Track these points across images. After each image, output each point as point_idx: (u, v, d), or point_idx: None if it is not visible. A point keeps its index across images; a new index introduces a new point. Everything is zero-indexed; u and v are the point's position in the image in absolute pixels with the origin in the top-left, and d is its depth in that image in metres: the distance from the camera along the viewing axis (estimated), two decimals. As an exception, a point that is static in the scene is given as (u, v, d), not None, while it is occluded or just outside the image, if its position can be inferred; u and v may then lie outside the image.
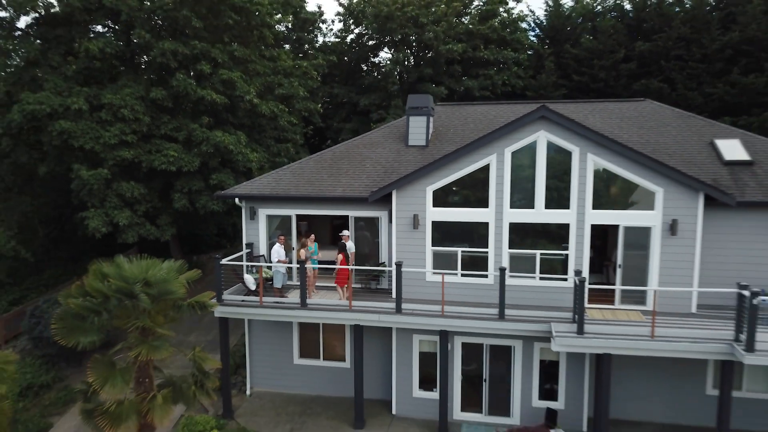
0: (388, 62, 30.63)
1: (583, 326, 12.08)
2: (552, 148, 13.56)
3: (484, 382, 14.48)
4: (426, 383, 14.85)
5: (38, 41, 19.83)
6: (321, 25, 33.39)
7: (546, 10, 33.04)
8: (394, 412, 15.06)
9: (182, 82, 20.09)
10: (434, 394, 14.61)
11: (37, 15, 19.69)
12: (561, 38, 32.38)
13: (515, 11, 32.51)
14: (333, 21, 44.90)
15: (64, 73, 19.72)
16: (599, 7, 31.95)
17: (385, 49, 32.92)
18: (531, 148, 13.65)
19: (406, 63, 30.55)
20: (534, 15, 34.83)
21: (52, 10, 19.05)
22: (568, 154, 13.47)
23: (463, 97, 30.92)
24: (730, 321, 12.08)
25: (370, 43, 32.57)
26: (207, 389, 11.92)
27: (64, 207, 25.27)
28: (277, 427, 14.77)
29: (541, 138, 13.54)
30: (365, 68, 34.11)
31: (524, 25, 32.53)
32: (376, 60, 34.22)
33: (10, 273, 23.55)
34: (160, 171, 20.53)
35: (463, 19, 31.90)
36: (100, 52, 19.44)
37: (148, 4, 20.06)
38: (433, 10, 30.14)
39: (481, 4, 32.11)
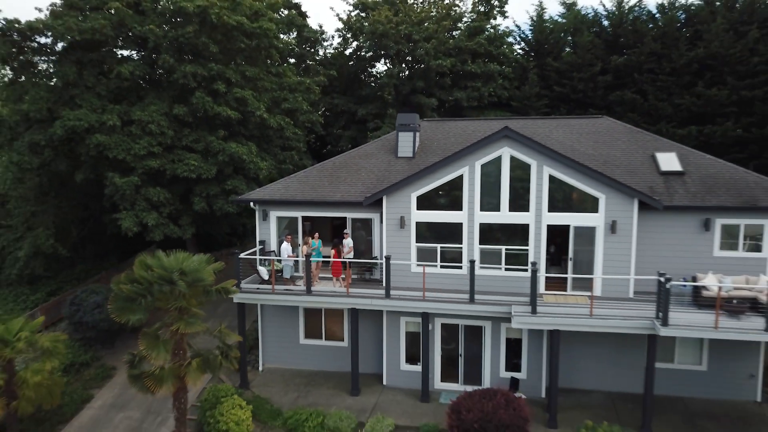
0: (384, 74, 33.24)
1: (536, 307, 14.81)
2: (514, 161, 16.29)
3: (460, 357, 17.22)
4: (411, 359, 17.57)
5: (74, 64, 22.56)
6: (323, 42, 36.20)
7: (531, 25, 35.71)
8: (384, 383, 17.80)
9: (201, 100, 22.88)
10: (418, 368, 17.25)
11: (73, 40, 22.36)
12: (544, 52, 35.10)
13: (501, 27, 35.16)
14: (333, 36, 47.44)
15: (98, 92, 22.53)
16: (580, 24, 34.56)
17: (382, 60, 35.54)
18: (497, 162, 16.37)
19: (400, 75, 33.19)
20: (519, 30, 37.47)
21: (87, 37, 21.74)
22: (527, 166, 16.19)
23: (452, 107, 33.59)
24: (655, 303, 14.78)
25: (368, 55, 35.18)
26: (231, 359, 14.67)
27: (92, 209, 28.15)
28: (286, 395, 17.57)
29: (505, 153, 16.27)
30: (363, 78, 36.73)
31: (510, 39, 35.11)
32: (373, 71, 36.87)
33: (47, 268, 26.45)
34: (182, 178, 23.32)
35: (454, 33, 34.54)
36: (130, 74, 22.28)
37: (171, 31, 22.84)
38: (426, 25, 32.75)
39: (470, 21, 34.72)
